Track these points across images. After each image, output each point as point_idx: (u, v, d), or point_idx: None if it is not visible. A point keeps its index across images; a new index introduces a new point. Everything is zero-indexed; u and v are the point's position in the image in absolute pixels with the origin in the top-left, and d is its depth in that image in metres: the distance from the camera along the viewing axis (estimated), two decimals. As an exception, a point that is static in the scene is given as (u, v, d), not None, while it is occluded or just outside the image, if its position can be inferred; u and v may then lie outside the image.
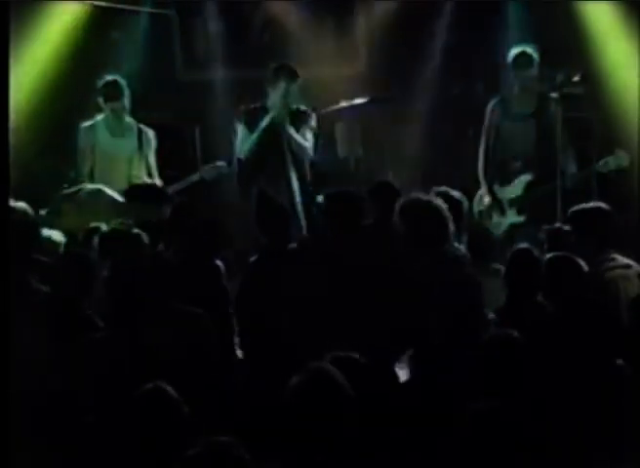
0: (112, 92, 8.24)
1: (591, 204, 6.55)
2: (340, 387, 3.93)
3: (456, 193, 6.65)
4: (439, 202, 5.74)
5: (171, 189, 8.30)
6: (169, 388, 4.25)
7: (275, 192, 7.04)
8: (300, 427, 3.90)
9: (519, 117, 8.30)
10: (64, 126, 8.87)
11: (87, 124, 8.40)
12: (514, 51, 8.28)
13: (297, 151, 8.20)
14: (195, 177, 8.63)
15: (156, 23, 9.73)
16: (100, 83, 8.32)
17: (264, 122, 8.19)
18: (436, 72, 9.74)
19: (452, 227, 5.66)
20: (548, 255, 5.41)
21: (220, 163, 8.64)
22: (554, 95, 8.12)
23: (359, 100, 9.36)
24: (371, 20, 10.04)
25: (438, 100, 9.74)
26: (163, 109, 9.68)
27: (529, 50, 8.23)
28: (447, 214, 5.66)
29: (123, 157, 8.32)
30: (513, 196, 8.29)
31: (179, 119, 9.70)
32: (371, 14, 10.03)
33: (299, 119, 8.27)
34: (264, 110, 8.31)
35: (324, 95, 9.39)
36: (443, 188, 6.58)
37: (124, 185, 8.05)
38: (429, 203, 5.70)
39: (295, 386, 3.94)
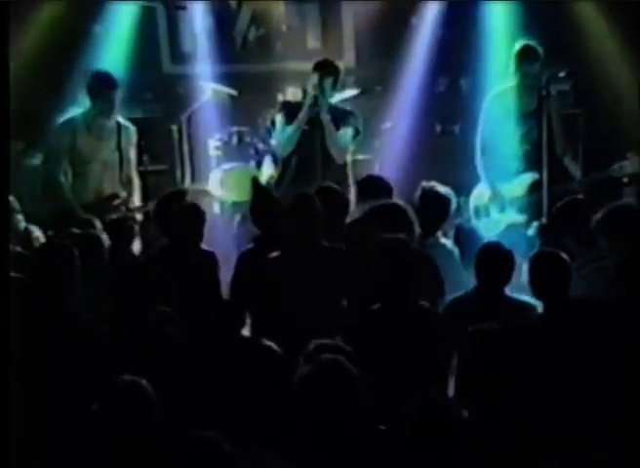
0: (104, 84, 7.74)
1: (568, 198, 6.42)
2: (355, 379, 3.91)
3: (442, 189, 6.64)
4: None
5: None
6: (144, 382, 4.24)
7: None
8: (312, 419, 3.87)
9: (520, 114, 8.00)
10: (46, 122, 8.64)
11: (63, 121, 7.90)
12: (519, 44, 7.98)
13: (330, 149, 7.84)
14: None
15: (142, 16, 9.69)
16: (91, 74, 7.88)
17: (301, 114, 7.87)
18: (421, 69, 9.67)
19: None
20: (533, 252, 5.41)
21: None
22: (554, 92, 7.84)
23: (349, 93, 9.24)
24: (357, 17, 10.04)
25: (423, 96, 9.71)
26: (148, 103, 9.66)
27: (533, 43, 7.94)
28: None
29: (102, 159, 7.88)
30: (515, 195, 7.97)
31: (164, 112, 9.68)
32: (357, 10, 10.03)
33: (342, 119, 7.93)
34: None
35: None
36: (430, 184, 6.59)
37: (100, 188, 7.83)
38: None
39: (308, 378, 3.91)
